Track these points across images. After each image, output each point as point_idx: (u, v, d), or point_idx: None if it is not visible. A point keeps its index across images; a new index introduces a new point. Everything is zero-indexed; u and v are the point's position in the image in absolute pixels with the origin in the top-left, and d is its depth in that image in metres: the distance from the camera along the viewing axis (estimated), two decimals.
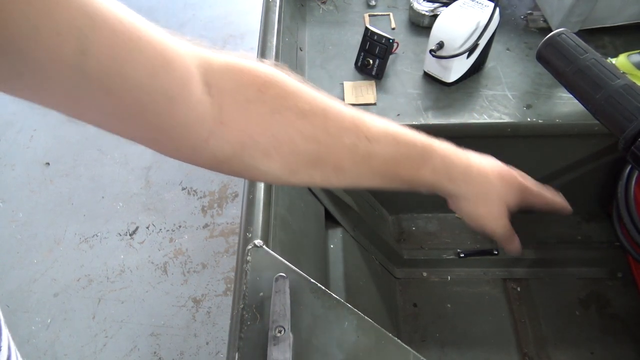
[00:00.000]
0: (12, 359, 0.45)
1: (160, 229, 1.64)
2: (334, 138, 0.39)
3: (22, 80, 0.27)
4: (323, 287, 0.48)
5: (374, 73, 0.81)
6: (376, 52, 0.80)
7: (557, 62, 0.54)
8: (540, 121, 0.73)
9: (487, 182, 0.48)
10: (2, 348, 0.42)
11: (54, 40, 0.26)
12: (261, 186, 0.59)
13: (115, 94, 0.30)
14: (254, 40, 0.87)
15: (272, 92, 0.36)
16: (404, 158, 0.43)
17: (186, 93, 0.33)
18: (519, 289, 0.84)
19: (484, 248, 0.87)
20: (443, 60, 0.75)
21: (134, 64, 0.29)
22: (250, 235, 0.53)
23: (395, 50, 0.85)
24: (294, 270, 0.49)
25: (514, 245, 0.55)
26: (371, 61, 0.81)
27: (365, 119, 0.41)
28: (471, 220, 0.51)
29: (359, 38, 0.83)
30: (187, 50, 0.34)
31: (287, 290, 0.45)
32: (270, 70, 0.37)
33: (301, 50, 0.88)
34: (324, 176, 0.41)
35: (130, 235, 1.64)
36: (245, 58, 0.37)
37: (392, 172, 0.43)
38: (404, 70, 0.83)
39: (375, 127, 0.41)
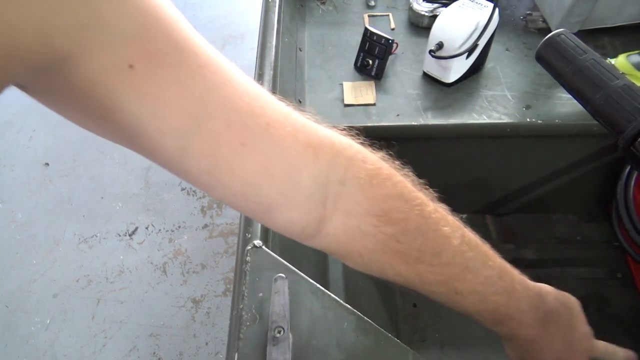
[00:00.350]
0: None
1: (160, 230, 1.64)
2: (425, 286, 0.37)
3: (132, 149, 0.29)
4: (322, 288, 0.48)
5: (373, 73, 0.81)
6: (376, 52, 0.80)
7: (556, 63, 0.54)
8: (539, 121, 0.73)
9: (548, 348, 0.46)
10: None
11: (158, 137, 0.27)
12: None
13: (211, 190, 0.30)
14: (254, 41, 0.87)
15: (387, 231, 0.34)
16: (486, 313, 0.41)
17: (286, 206, 0.32)
18: None
19: None
20: (442, 61, 0.75)
21: (231, 172, 0.29)
22: (249, 235, 0.53)
23: (394, 50, 0.85)
24: (294, 271, 0.49)
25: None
26: (371, 61, 0.81)
27: (468, 271, 0.39)
28: None
29: (358, 38, 0.83)
30: (302, 155, 0.31)
31: (287, 291, 0.45)
32: (401, 195, 0.35)
33: (301, 50, 0.88)
34: (410, 287, 0.39)
35: (129, 235, 1.63)
36: (383, 160, 0.35)
37: (470, 312, 0.41)
38: (404, 70, 0.83)
39: (472, 281, 0.39)
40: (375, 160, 0.35)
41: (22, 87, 0.26)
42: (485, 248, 0.41)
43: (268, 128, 0.29)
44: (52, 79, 0.24)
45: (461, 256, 0.38)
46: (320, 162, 0.32)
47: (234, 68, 0.29)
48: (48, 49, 0.22)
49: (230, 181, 0.29)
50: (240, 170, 0.29)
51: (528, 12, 0.91)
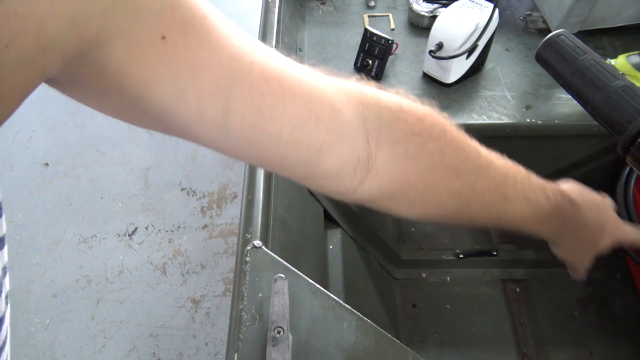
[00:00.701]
0: None
1: (160, 230, 1.64)
2: (478, 196, 0.39)
3: (169, 130, 0.30)
4: (322, 288, 0.48)
5: (373, 74, 0.81)
6: (375, 52, 0.80)
7: (556, 63, 0.54)
8: (539, 122, 0.73)
9: (590, 238, 0.50)
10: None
11: (200, 102, 0.27)
12: (260, 187, 0.59)
13: (259, 148, 0.30)
14: None
15: (434, 146, 0.36)
16: (529, 218, 0.44)
17: (336, 143, 0.32)
18: (518, 289, 0.84)
19: (483, 249, 0.87)
20: (442, 61, 0.75)
21: (278, 119, 0.30)
22: (249, 236, 0.53)
23: (394, 51, 0.85)
24: (293, 271, 0.49)
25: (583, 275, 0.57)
26: (370, 62, 0.81)
27: (508, 177, 0.41)
28: (562, 258, 0.53)
29: (358, 39, 0.83)
30: (342, 93, 0.33)
31: (286, 291, 0.45)
32: (435, 119, 0.36)
33: (300, 50, 0.88)
34: (456, 223, 0.42)
35: (129, 235, 1.63)
36: (408, 100, 0.36)
37: (515, 226, 0.44)
38: (404, 71, 0.83)
39: (514, 187, 0.42)
40: (394, 94, 0.37)
41: (52, 80, 0.25)
42: (506, 159, 0.43)
43: (302, 77, 0.31)
44: (83, 67, 0.24)
45: (497, 164, 0.41)
46: (353, 101, 0.34)
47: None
48: (82, 36, 0.22)
49: (278, 129, 0.30)
50: (286, 115, 0.30)
51: (528, 12, 0.91)
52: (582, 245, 0.51)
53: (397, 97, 0.36)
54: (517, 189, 0.42)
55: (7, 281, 0.32)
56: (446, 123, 0.37)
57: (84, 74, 0.25)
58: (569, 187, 0.50)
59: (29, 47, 0.20)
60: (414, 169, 0.36)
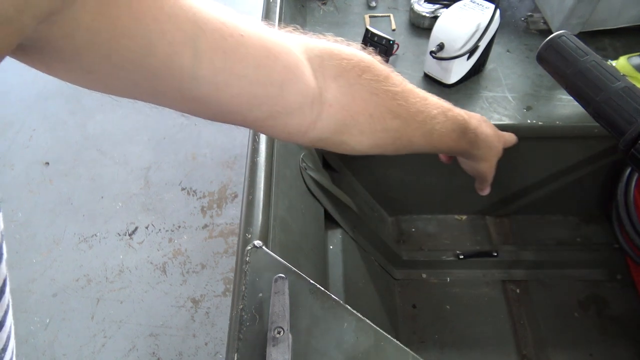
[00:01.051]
0: None
1: (160, 229, 1.64)
2: (412, 115, 0.45)
3: (138, 89, 0.30)
4: (322, 288, 0.48)
5: None
6: (376, 53, 0.80)
7: (557, 64, 0.54)
8: (540, 123, 0.73)
9: (493, 146, 0.59)
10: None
11: (168, 51, 0.28)
12: (261, 187, 0.59)
13: (228, 92, 0.32)
14: None
15: (368, 75, 0.41)
16: (450, 132, 0.50)
17: (294, 79, 0.36)
18: (518, 290, 0.84)
19: (483, 250, 0.87)
20: (443, 62, 0.75)
21: (242, 60, 0.32)
22: (249, 236, 0.53)
23: (395, 51, 0.85)
24: (294, 271, 0.49)
25: (488, 188, 0.69)
26: None
27: (428, 100, 0.47)
28: (475, 172, 0.64)
29: (359, 39, 0.83)
30: (288, 39, 0.36)
31: (287, 291, 0.45)
32: (364, 55, 0.42)
33: None
34: (397, 149, 0.47)
35: (129, 235, 1.63)
36: (339, 43, 0.41)
37: (443, 143, 0.51)
38: (404, 71, 0.83)
39: (434, 107, 0.48)
40: (325, 40, 0.41)
41: (20, 50, 0.26)
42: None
43: (252, 23, 0.34)
44: (55, 27, 0.24)
45: (416, 88, 0.46)
46: (298, 44, 0.38)
47: None
48: None
49: (243, 69, 0.32)
50: (248, 55, 0.32)
51: (529, 13, 0.91)
52: (490, 152, 0.59)
53: (328, 42, 0.41)
54: (437, 106, 0.48)
55: (4, 247, 0.33)
56: (370, 57, 0.42)
57: (55, 35, 0.25)
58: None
59: (9, 8, 0.20)
60: (359, 97, 0.40)
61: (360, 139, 0.42)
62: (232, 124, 0.38)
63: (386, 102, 0.42)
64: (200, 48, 0.29)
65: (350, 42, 0.43)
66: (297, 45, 0.37)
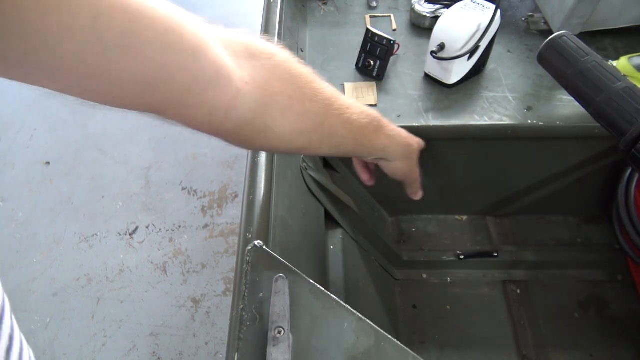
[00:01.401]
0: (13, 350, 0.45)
1: (160, 229, 1.64)
2: (328, 103, 0.45)
3: (32, 57, 0.26)
4: (322, 288, 0.48)
5: (374, 74, 0.81)
6: (377, 53, 0.80)
7: (558, 65, 0.54)
8: (540, 123, 0.73)
9: (410, 143, 0.60)
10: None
11: (66, 9, 0.25)
12: (261, 187, 0.59)
13: (136, 56, 0.29)
14: None
15: (279, 59, 0.41)
16: (368, 124, 0.51)
17: (206, 49, 0.34)
18: (518, 291, 0.84)
19: (483, 250, 0.87)
20: (444, 62, 0.75)
21: (150, 25, 0.29)
22: (250, 235, 0.53)
23: (396, 51, 0.85)
24: (294, 271, 0.49)
25: (419, 191, 0.69)
26: (372, 62, 0.81)
27: (335, 91, 0.48)
28: (401, 174, 0.63)
29: (359, 39, 0.83)
30: (197, 20, 0.35)
31: (287, 291, 0.45)
32: (276, 47, 0.42)
33: (302, 51, 0.88)
34: (322, 139, 0.47)
35: (130, 235, 1.63)
36: (249, 35, 0.41)
37: (364, 136, 0.52)
38: (405, 71, 0.83)
39: (346, 99, 0.49)
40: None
41: None
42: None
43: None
44: None
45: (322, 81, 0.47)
46: (209, 29, 0.37)
47: None
48: None
49: (152, 35, 0.30)
50: (156, 20, 0.30)
51: (530, 13, 0.91)
52: (409, 149, 0.60)
53: (241, 34, 0.41)
54: (349, 100, 0.49)
55: None
56: (282, 50, 0.43)
57: None
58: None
59: None
60: (275, 77, 0.40)
61: (283, 122, 0.42)
62: (144, 109, 0.34)
63: (302, 85, 0.43)
64: (102, 10, 0.26)
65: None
66: (207, 29, 0.36)
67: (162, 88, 0.33)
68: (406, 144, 0.60)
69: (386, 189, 0.90)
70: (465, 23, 0.72)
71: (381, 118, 0.54)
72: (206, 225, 1.65)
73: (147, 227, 1.65)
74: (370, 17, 0.94)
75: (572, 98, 0.54)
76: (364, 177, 0.67)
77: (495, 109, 0.76)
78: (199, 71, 0.34)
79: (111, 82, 0.30)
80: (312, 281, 0.48)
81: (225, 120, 0.38)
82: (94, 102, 0.32)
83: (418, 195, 0.70)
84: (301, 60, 0.44)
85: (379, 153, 0.57)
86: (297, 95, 0.42)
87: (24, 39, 0.25)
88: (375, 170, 0.67)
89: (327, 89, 0.46)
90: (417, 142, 0.63)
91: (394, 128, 0.57)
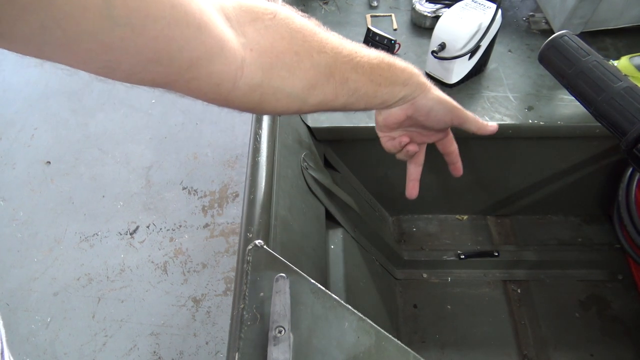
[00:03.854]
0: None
1: (161, 229, 1.64)
2: (337, 51, 0.44)
3: (47, 36, 0.27)
4: (323, 288, 0.48)
5: None
6: None
7: (559, 64, 0.54)
8: (541, 123, 0.73)
9: (437, 88, 0.55)
10: None
11: None
12: (262, 186, 0.59)
13: (146, 34, 0.30)
14: None
15: (283, 15, 0.41)
16: (380, 62, 0.48)
17: (209, 22, 0.34)
18: (519, 290, 0.84)
19: (484, 250, 0.87)
20: (445, 62, 0.75)
21: (156, 1, 0.30)
22: (250, 235, 0.53)
23: (397, 51, 0.85)
24: (295, 271, 0.49)
25: (487, 124, 0.60)
26: None
27: (345, 40, 0.46)
28: (444, 107, 0.55)
29: (360, 39, 0.83)
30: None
31: (288, 291, 0.45)
32: (274, 4, 0.41)
33: None
34: (335, 90, 0.46)
35: (130, 234, 1.64)
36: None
37: (378, 75, 0.49)
38: None
39: (354, 45, 0.47)
40: None
41: None
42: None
43: None
44: None
45: (336, 35, 0.46)
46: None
47: None
48: None
49: (160, 11, 0.31)
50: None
51: (531, 13, 0.91)
52: (439, 91, 0.55)
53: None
54: (354, 44, 0.47)
55: None
56: (284, 7, 0.42)
57: None
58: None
59: None
60: (279, 37, 0.40)
61: (292, 80, 0.42)
62: (153, 84, 0.35)
63: (308, 38, 0.42)
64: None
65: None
66: (209, 1, 0.36)
67: (170, 63, 0.34)
68: (431, 87, 0.54)
69: (387, 188, 0.90)
70: (466, 23, 0.72)
71: (392, 56, 0.51)
72: (207, 225, 1.65)
73: (148, 227, 1.65)
74: (371, 16, 0.94)
75: (573, 98, 0.54)
76: (410, 148, 0.59)
77: (496, 109, 0.75)
78: (204, 45, 0.35)
79: (121, 58, 0.31)
80: (312, 280, 0.48)
81: (234, 89, 0.39)
82: (105, 77, 0.33)
83: (489, 127, 0.60)
84: (304, 14, 0.44)
85: (403, 90, 0.51)
86: (304, 50, 0.42)
87: (39, 16, 0.25)
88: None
89: (333, 38, 0.45)
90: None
91: (412, 68, 0.53)
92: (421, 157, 0.62)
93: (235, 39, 0.37)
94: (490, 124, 0.60)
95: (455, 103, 0.56)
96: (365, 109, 0.51)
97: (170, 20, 0.31)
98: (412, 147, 0.59)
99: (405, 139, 0.58)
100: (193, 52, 0.34)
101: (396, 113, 0.55)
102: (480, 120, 0.59)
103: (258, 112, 0.46)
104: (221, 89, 0.38)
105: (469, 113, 0.58)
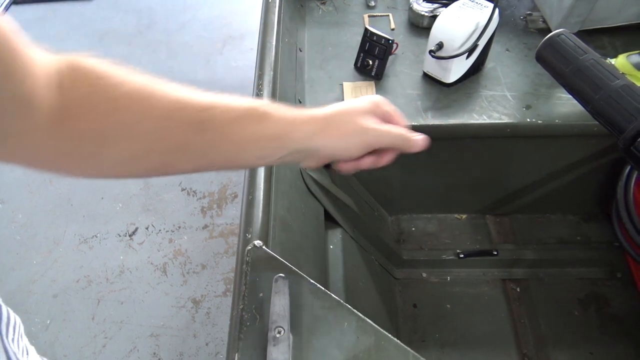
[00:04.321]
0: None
1: (160, 230, 1.64)
2: (173, 111, 0.39)
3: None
4: (322, 288, 0.48)
5: (373, 74, 0.81)
6: (376, 52, 0.80)
7: (556, 63, 0.54)
8: (539, 122, 0.73)
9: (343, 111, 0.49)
10: None
11: None
12: (261, 187, 0.59)
13: None
14: (254, 41, 0.87)
15: (104, 82, 0.37)
16: (244, 114, 0.42)
17: (15, 75, 0.32)
18: (518, 289, 0.84)
19: (483, 249, 0.87)
20: (442, 61, 0.75)
21: None
22: (249, 236, 0.53)
23: (394, 51, 0.85)
24: (294, 271, 0.49)
25: (417, 139, 0.50)
26: (371, 62, 0.81)
27: (194, 92, 0.40)
28: (358, 152, 0.47)
29: (358, 39, 0.83)
30: (35, 57, 0.33)
31: (287, 291, 0.45)
32: (102, 64, 0.37)
33: (301, 51, 0.88)
34: (174, 158, 0.40)
35: (129, 236, 1.63)
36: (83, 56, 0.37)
37: (238, 131, 0.42)
38: (404, 70, 0.83)
39: (207, 95, 0.41)
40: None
41: None
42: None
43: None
44: None
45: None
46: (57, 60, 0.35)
47: None
48: None
49: None
50: None
51: (528, 12, 0.91)
52: (345, 118, 0.48)
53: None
54: (208, 95, 0.41)
55: None
56: (101, 66, 0.38)
57: None
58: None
59: None
60: (96, 103, 0.37)
61: (110, 150, 0.38)
62: None
63: (135, 102, 0.38)
64: None
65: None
66: (45, 63, 0.34)
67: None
68: (326, 116, 0.48)
69: (386, 188, 0.90)
70: (464, 22, 0.72)
71: (270, 104, 0.44)
72: (206, 226, 1.65)
73: (147, 228, 1.65)
74: (369, 16, 0.94)
75: (571, 96, 0.54)
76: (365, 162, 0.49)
77: (494, 108, 0.76)
78: None
79: None
80: (312, 281, 0.48)
81: (27, 148, 0.37)
82: None
83: (421, 142, 0.50)
84: (141, 71, 0.39)
85: (287, 144, 0.44)
86: (126, 118, 0.37)
87: None
88: (376, 170, 0.56)
89: (171, 95, 0.39)
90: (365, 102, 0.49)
91: (297, 111, 0.46)
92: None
93: (39, 99, 0.34)
94: (415, 138, 0.50)
95: (366, 130, 0.47)
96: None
97: None
98: (388, 158, 0.50)
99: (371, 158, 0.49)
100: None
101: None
102: (410, 138, 0.50)
103: (70, 176, 0.41)
104: (9, 143, 0.36)
105: (393, 132, 0.48)
